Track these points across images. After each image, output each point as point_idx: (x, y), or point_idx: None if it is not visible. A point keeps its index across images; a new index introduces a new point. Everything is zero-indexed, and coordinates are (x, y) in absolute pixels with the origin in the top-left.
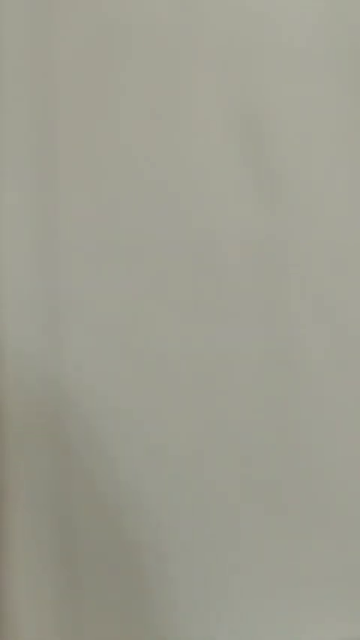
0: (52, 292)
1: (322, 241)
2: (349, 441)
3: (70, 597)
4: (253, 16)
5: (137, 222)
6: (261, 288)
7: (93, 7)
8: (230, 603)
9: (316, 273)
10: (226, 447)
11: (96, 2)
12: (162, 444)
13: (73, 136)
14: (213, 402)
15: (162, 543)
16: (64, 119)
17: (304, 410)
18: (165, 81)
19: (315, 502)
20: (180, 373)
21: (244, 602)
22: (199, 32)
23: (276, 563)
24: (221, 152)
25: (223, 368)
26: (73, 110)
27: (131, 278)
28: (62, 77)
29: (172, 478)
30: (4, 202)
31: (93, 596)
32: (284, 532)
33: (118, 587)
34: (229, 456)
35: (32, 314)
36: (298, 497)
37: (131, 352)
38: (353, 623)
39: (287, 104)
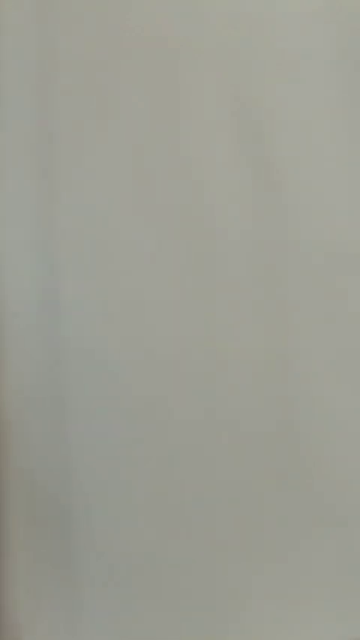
0: (52, 290)
1: (321, 240)
2: (349, 437)
3: (70, 597)
4: (253, 16)
5: (137, 220)
6: (260, 287)
7: (94, 7)
8: (230, 603)
9: (315, 272)
10: (225, 444)
11: (97, 2)
12: (162, 441)
13: (72, 134)
14: (212, 400)
15: (162, 542)
16: (65, 117)
17: (304, 408)
18: (165, 80)
19: (315, 501)
20: (180, 371)
21: (243, 602)
22: (199, 32)
23: (275, 562)
24: (221, 151)
25: (222, 366)
26: (73, 109)
27: (130, 276)
28: (62, 76)
29: (172, 476)
30: (5, 201)
31: (93, 596)
32: (283, 531)
33: (118, 587)
34: (228, 453)
35: (32, 312)
36: (298, 496)
37: (131, 350)
38: (353, 623)
39: (287, 104)
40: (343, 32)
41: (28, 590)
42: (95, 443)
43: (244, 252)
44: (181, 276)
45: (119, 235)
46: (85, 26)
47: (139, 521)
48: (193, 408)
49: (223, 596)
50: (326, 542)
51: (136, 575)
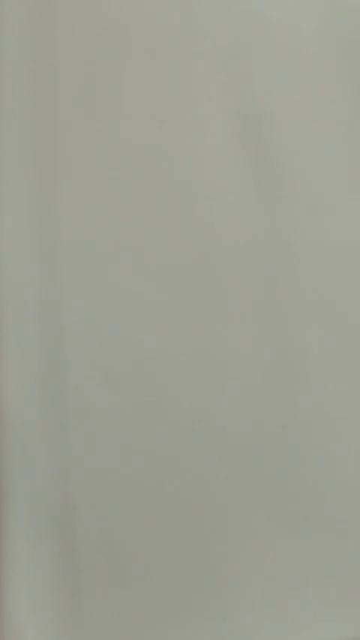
0: (52, 290)
1: (322, 240)
2: (350, 439)
3: (70, 597)
4: (254, 16)
5: (137, 222)
6: (261, 287)
7: (94, 7)
8: (230, 603)
9: (316, 272)
10: (226, 447)
11: (97, 2)
12: (161, 444)
13: (74, 135)
14: (213, 400)
15: (162, 543)
16: (65, 118)
17: (304, 409)
18: (166, 80)
19: (315, 502)
20: (180, 371)
21: (244, 602)
22: (200, 32)
23: (276, 562)
24: (222, 151)
25: (222, 366)
26: (73, 110)
27: (131, 276)
28: (63, 77)
29: (172, 477)
30: (5, 200)
31: (93, 596)
32: (284, 531)
33: (118, 587)
34: (229, 455)
35: (33, 313)
36: (298, 497)
37: (131, 351)
38: (353, 623)
39: (288, 103)
40: (344, 33)
41: (28, 590)
42: (95, 445)
43: (244, 253)
44: (182, 274)
45: (119, 236)
46: (85, 26)
47: (140, 522)
48: (193, 408)
49: (222, 596)
50: (326, 543)
51: (135, 575)
